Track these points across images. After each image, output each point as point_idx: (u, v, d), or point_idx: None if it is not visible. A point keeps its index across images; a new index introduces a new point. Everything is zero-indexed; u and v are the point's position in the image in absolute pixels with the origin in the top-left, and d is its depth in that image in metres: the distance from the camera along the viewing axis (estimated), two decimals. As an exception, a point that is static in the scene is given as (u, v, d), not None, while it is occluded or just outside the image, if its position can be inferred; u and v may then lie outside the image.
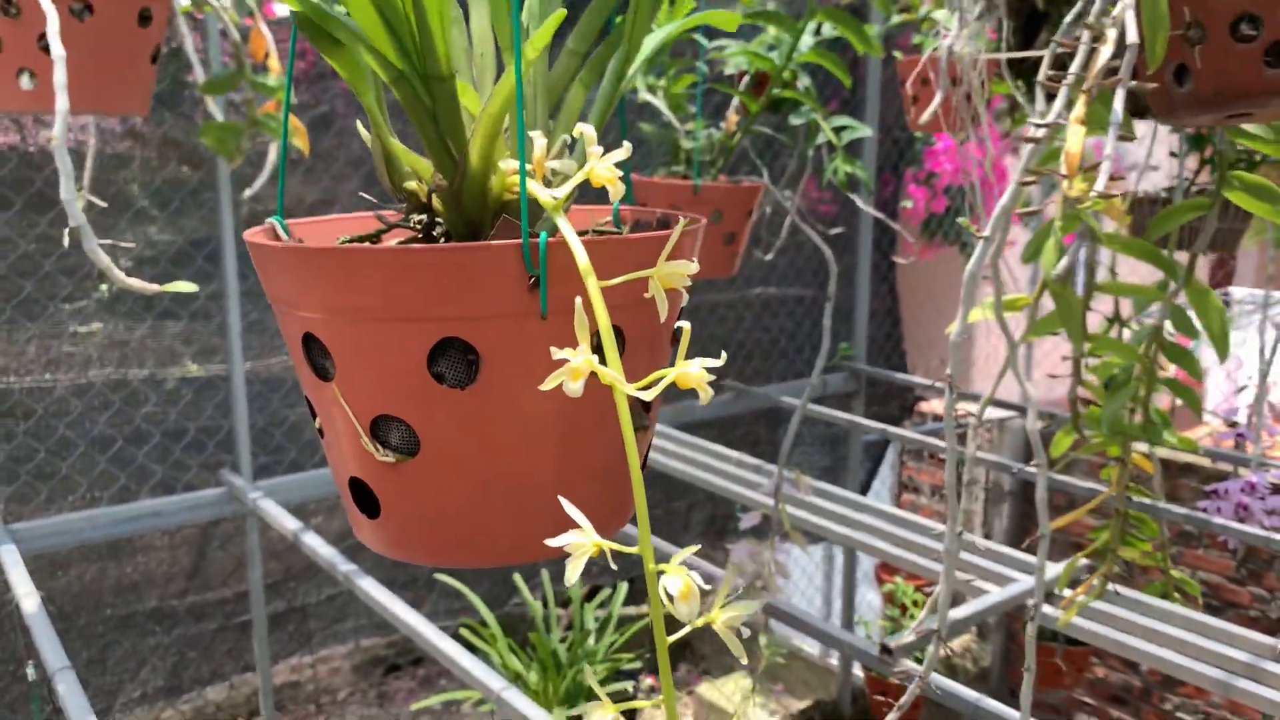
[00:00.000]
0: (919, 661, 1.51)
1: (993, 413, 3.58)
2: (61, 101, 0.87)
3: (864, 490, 3.82)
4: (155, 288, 0.98)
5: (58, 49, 0.87)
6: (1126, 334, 1.37)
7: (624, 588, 2.35)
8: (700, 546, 0.50)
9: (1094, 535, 1.40)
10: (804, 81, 1.84)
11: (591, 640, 2.16)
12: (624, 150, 0.40)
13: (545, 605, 2.29)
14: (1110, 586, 1.46)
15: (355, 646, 4.37)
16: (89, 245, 0.93)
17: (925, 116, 1.12)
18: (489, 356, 0.41)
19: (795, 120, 1.83)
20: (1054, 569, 1.67)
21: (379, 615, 2.73)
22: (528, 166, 0.41)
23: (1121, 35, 0.73)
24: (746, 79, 1.75)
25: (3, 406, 2.00)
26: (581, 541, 0.37)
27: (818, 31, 1.69)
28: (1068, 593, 1.67)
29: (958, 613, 1.61)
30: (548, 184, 0.44)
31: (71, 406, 2.07)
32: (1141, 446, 1.37)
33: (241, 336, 2.13)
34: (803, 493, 1.61)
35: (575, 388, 0.36)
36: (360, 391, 0.43)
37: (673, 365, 0.41)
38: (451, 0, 0.44)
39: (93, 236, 0.95)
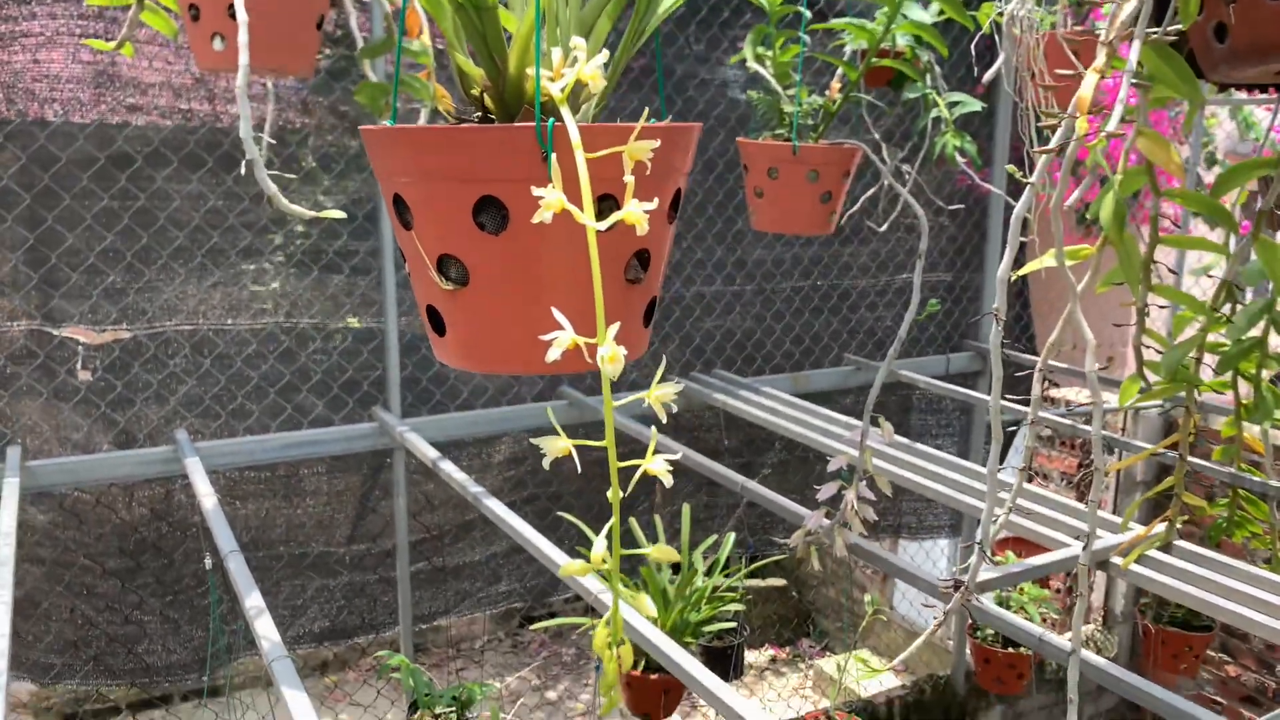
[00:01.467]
0: (993, 602, 1.59)
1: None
2: (243, 57, 1.08)
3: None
4: (311, 213, 1.19)
5: (242, 15, 1.08)
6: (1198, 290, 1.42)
7: (730, 539, 2.49)
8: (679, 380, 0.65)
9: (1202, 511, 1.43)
10: (925, 56, 1.93)
11: (699, 580, 2.31)
12: (603, 55, 0.55)
13: (655, 543, 2.43)
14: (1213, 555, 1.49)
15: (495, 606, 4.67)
16: (260, 174, 1.15)
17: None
18: (515, 211, 0.56)
19: (909, 94, 1.92)
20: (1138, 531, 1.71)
21: (523, 579, 2.96)
22: (549, 74, 0.56)
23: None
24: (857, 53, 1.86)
25: (192, 342, 2.31)
26: (563, 339, 0.52)
27: (926, 6, 1.78)
28: (1165, 556, 1.70)
29: (1036, 560, 1.68)
30: (576, 93, 0.59)
31: (248, 347, 2.36)
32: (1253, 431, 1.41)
33: (396, 290, 2.38)
34: (885, 438, 1.71)
35: (546, 216, 0.51)
36: (429, 236, 0.59)
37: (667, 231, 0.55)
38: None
39: (263, 167, 1.17)
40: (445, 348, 0.63)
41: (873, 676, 2.94)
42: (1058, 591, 3.73)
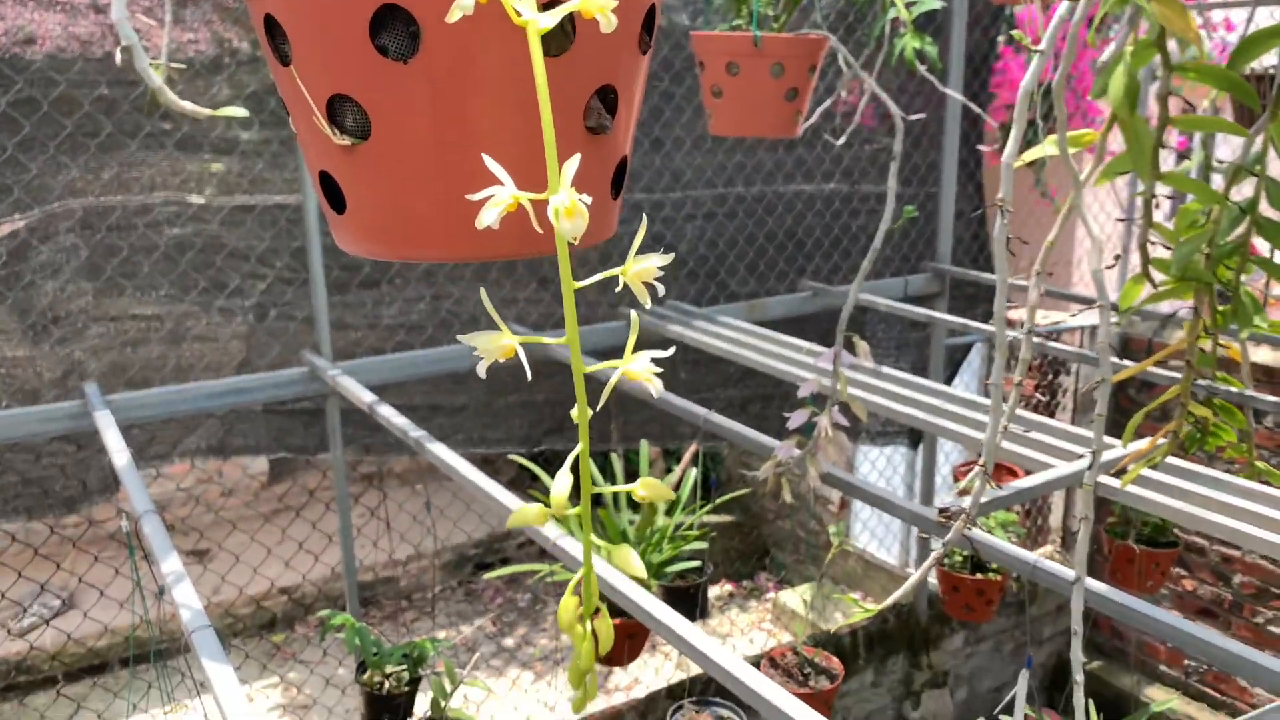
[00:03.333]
0: (976, 527, 1.48)
1: (1087, 320, 3.45)
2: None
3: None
4: (207, 111, 1.01)
5: None
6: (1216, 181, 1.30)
7: (692, 475, 2.36)
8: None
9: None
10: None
11: (659, 519, 2.19)
12: None
13: (613, 483, 2.31)
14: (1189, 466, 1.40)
15: (442, 546, 4.52)
16: (141, 65, 0.96)
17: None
18: (428, 24, 0.40)
19: None
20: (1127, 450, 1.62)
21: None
22: None
23: None
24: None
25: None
26: (500, 195, 0.36)
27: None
28: (1153, 473, 1.62)
29: (1024, 483, 1.58)
30: None
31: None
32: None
33: (319, 221, 2.19)
34: (861, 359, 1.59)
35: (464, 8, 0.36)
36: (313, 70, 0.43)
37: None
38: None
39: (144, 56, 0.98)
40: (345, 228, 0.48)
41: (867, 616, 2.86)
42: (1018, 513, 3.70)
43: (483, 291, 0.42)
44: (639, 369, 0.45)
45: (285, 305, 2.32)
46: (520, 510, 0.48)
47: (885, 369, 2.12)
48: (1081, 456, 1.69)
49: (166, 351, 2.23)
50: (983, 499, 1.12)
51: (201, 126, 2.16)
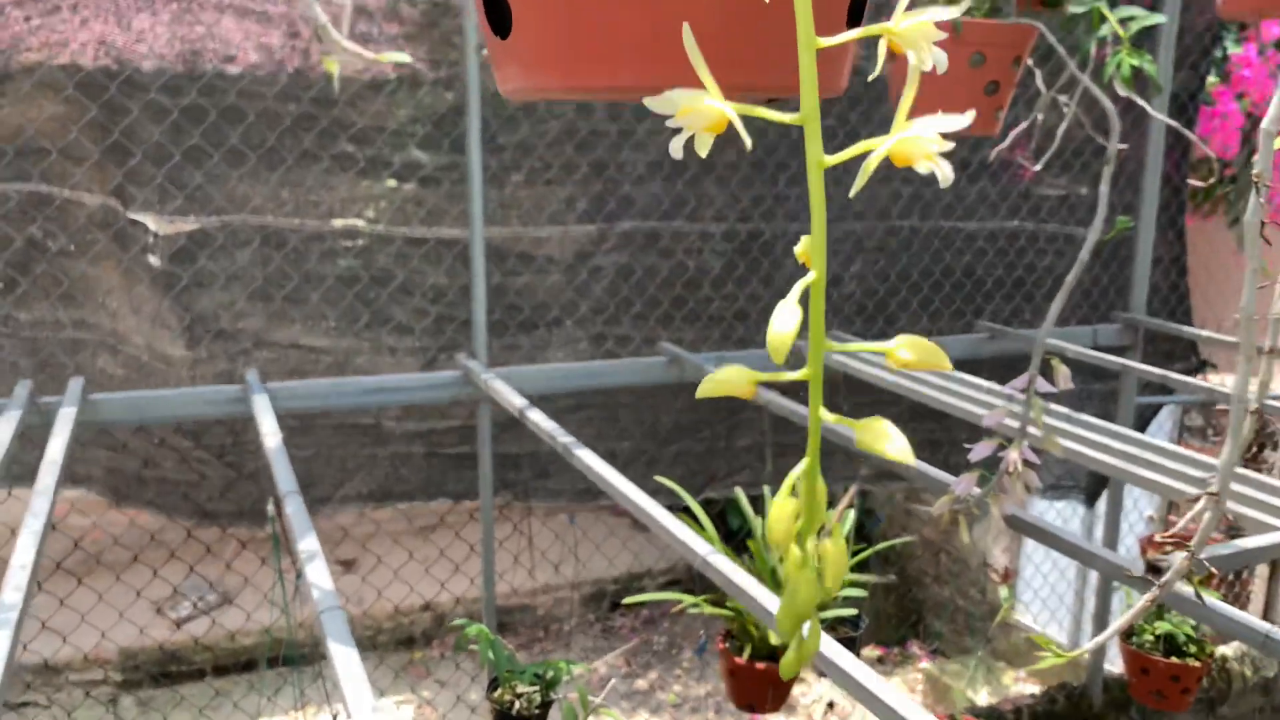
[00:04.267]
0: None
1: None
2: None
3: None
4: (371, 54, 0.97)
5: None
6: None
7: (850, 517, 2.20)
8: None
9: None
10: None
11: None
12: None
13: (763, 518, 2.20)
14: None
15: (582, 579, 4.46)
16: (308, 8, 0.93)
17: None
18: None
19: (1075, 8, 1.62)
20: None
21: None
22: None
23: None
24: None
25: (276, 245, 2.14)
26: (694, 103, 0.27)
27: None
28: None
29: (1247, 543, 1.37)
30: None
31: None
32: None
33: (483, 223, 2.18)
34: (1060, 385, 1.42)
35: None
36: None
37: None
38: None
39: (315, 4, 0.94)
40: (507, 55, 0.39)
41: (1045, 667, 2.60)
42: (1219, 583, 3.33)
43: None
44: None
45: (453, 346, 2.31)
46: (722, 373, 0.40)
47: (1079, 415, 1.92)
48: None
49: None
50: (1217, 549, 0.95)
51: (384, 150, 2.17)
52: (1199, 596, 1.04)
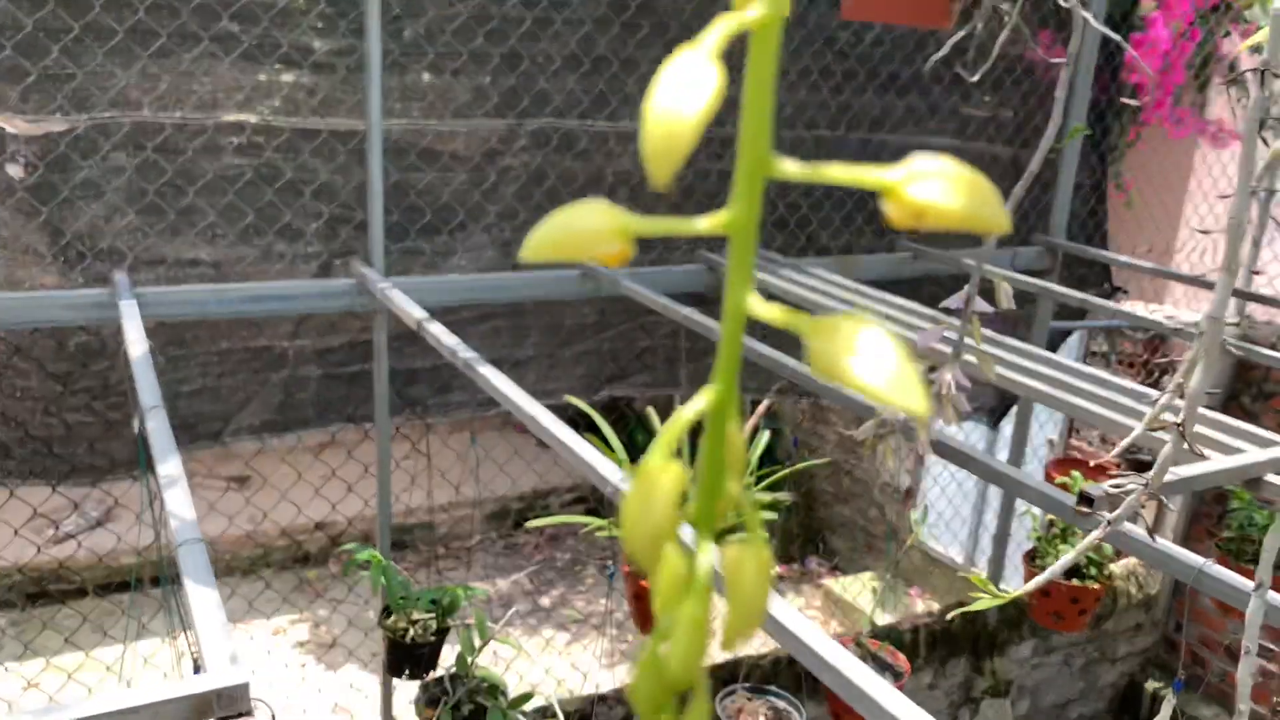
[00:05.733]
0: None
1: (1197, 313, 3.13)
2: None
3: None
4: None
5: None
6: None
7: (764, 438, 2.13)
8: None
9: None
10: None
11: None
12: None
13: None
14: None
15: (484, 496, 4.36)
16: None
17: None
18: None
19: None
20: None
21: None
22: None
23: None
24: None
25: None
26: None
27: None
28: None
29: (1178, 471, 1.32)
30: None
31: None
32: None
33: (380, 109, 1.98)
34: (1003, 304, 1.34)
35: None
36: None
37: None
38: None
39: None
40: None
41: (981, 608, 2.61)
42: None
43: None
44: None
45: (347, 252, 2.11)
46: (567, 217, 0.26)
47: (1003, 338, 1.87)
48: (1242, 451, 1.42)
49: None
50: (1186, 471, 0.88)
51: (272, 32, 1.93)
52: (1151, 535, 0.98)
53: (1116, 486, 1.12)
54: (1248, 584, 1.06)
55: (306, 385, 2.22)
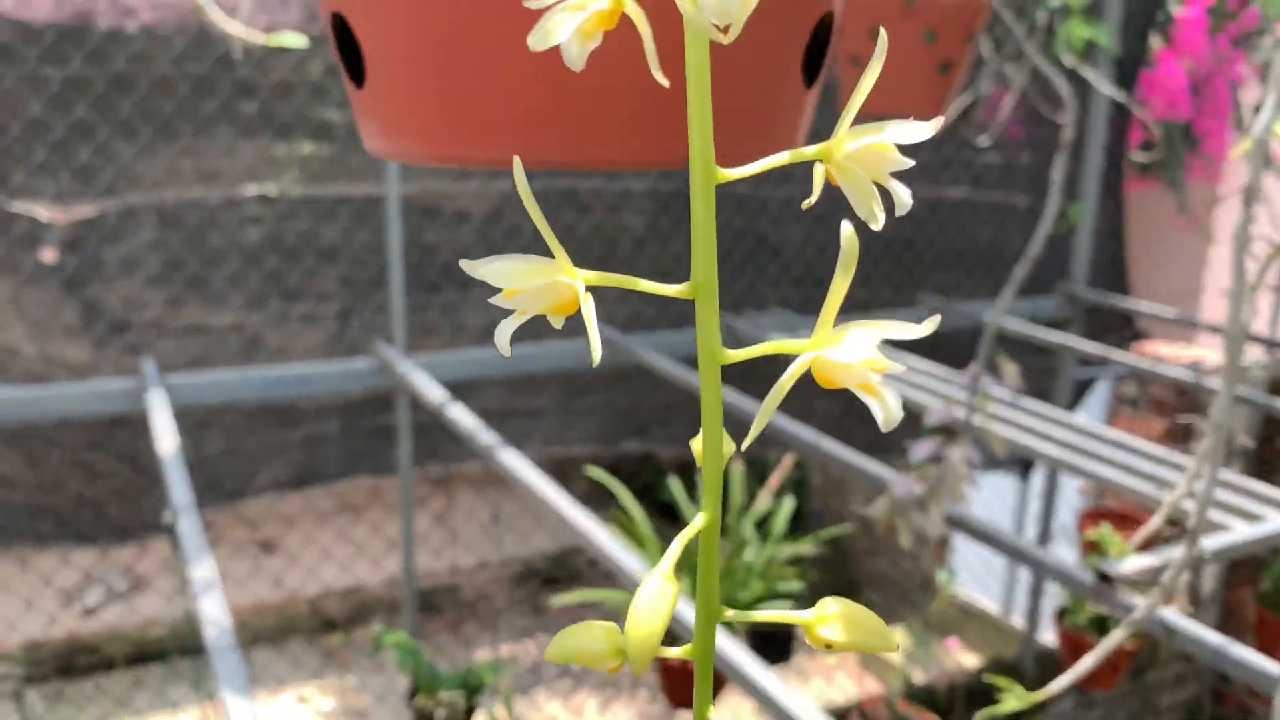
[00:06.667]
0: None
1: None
2: None
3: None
4: (262, 38, 0.83)
5: None
6: None
7: (789, 503, 2.13)
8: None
9: None
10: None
11: (749, 553, 1.96)
12: None
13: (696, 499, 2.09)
14: None
15: (510, 555, 4.35)
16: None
17: None
18: None
19: None
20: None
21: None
22: None
23: None
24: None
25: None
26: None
27: None
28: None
29: (1206, 544, 1.31)
30: None
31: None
32: None
33: (400, 199, 2.02)
34: (1007, 384, 1.34)
35: None
36: None
37: None
38: None
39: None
40: (368, 110, 0.28)
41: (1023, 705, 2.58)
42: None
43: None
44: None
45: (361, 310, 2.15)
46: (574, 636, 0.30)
47: (1021, 400, 1.86)
48: (1266, 520, 1.40)
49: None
50: (1222, 540, 0.87)
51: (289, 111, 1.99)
52: (1168, 633, 0.97)
53: (1137, 566, 1.11)
54: (1275, 670, 1.05)
55: (326, 441, 2.25)
